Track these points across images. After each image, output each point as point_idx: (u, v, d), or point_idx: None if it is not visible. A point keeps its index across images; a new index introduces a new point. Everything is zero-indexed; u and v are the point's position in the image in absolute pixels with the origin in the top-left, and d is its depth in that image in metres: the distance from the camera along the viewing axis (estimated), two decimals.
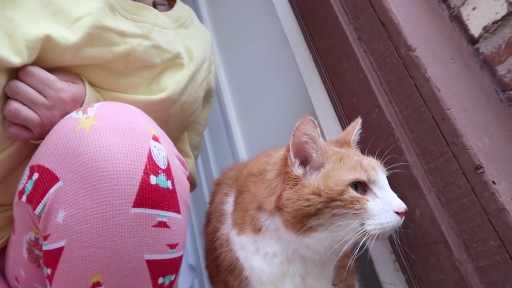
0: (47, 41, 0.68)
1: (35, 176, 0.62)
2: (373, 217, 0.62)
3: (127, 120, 0.62)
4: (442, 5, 0.78)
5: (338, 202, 0.62)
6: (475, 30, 0.72)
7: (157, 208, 0.61)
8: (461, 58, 0.73)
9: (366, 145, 0.78)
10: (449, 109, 0.65)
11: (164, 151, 0.64)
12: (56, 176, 0.59)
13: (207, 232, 0.82)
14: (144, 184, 0.59)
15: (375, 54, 0.78)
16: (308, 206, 0.63)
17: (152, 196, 0.60)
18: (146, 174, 0.60)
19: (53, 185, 0.59)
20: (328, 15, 0.88)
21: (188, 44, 0.94)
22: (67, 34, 0.70)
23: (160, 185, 0.61)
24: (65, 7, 0.72)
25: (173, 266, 0.66)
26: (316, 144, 0.66)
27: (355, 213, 0.62)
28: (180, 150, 1.03)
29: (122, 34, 0.77)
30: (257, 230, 0.70)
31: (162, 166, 0.62)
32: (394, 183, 0.72)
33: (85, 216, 0.57)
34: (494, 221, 0.59)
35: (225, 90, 1.63)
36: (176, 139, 0.99)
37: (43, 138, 0.66)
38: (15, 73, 0.68)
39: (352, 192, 0.62)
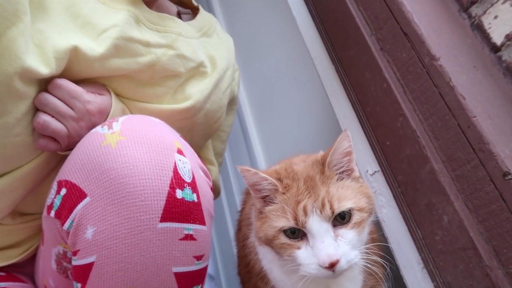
0: (75, 52, 0.69)
1: (63, 191, 0.63)
2: (302, 265, 0.62)
3: (152, 135, 0.64)
4: (463, 14, 0.79)
5: (274, 245, 0.64)
6: (497, 38, 0.73)
7: (183, 222, 0.62)
8: (484, 66, 0.74)
9: (391, 154, 0.79)
10: (474, 117, 0.66)
11: (189, 164, 0.65)
12: (84, 192, 0.61)
13: (238, 239, 0.83)
14: (171, 199, 0.60)
15: (398, 63, 0.79)
16: (260, 237, 0.66)
17: (178, 210, 0.61)
18: (172, 188, 0.61)
19: (81, 201, 0.61)
20: (350, 26, 0.89)
21: (211, 53, 0.95)
22: (94, 45, 0.72)
23: (186, 199, 0.62)
24: (92, 19, 0.74)
25: (199, 276, 0.67)
26: (261, 185, 0.67)
27: (288, 259, 0.63)
28: (204, 157, 1.04)
29: (147, 44, 0.79)
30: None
31: (188, 179, 0.64)
32: (421, 191, 0.73)
33: (114, 232, 0.59)
34: None
35: (243, 100, 1.64)
36: (200, 147, 1.01)
37: (70, 149, 0.68)
38: (44, 84, 0.70)
39: (282, 239, 0.63)
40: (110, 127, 0.64)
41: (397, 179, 0.78)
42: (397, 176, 0.78)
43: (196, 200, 0.64)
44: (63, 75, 0.71)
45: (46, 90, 0.70)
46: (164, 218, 0.60)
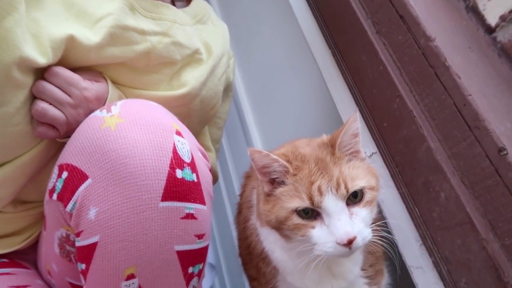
0: (71, 42, 0.70)
1: (65, 174, 0.64)
2: (317, 244, 0.62)
3: (151, 117, 0.65)
4: None
5: (286, 226, 0.64)
6: (492, 19, 0.74)
7: (184, 201, 0.63)
8: (479, 47, 0.75)
9: (389, 135, 0.80)
10: (470, 95, 0.67)
11: (187, 145, 0.66)
12: (85, 174, 0.62)
13: (239, 222, 0.84)
14: (171, 178, 0.62)
15: (394, 46, 0.80)
16: (269, 221, 0.66)
17: (179, 190, 0.63)
18: (172, 168, 0.62)
19: (83, 183, 0.62)
20: (346, 11, 0.90)
21: (206, 40, 0.96)
22: (90, 35, 0.73)
23: (186, 179, 0.64)
24: (87, 8, 0.74)
25: (201, 255, 0.69)
26: (271, 168, 0.67)
27: (301, 239, 0.63)
28: (201, 144, 1.05)
29: (143, 32, 0.80)
30: None
31: (187, 159, 0.65)
32: (418, 170, 0.74)
33: (117, 212, 0.60)
34: None
35: (240, 87, 1.64)
36: (197, 134, 1.01)
37: (68, 136, 0.69)
38: (41, 73, 0.71)
39: (295, 220, 0.63)
40: (109, 110, 0.65)
41: (394, 160, 0.79)
42: (395, 156, 0.79)
43: (196, 180, 0.65)
44: (59, 63, 0.72)
45: (43, 78, 0.71)
46: (165, 197, 0.61)
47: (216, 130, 1.13)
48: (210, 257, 1.70)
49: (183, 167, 0.64)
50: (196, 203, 0.65)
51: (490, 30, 0.74)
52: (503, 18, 0.72)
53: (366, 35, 0.85)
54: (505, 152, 0.62)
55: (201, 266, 0.70)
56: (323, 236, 0.62)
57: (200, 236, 0.67)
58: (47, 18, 0.70)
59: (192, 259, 0.67)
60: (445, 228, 0.70)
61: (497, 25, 0.73)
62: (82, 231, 0.62)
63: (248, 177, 0.88)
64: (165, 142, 0.63)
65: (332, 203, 0.63)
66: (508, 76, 0.71)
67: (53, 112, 0.71)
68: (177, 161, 0.63)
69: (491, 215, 0.64)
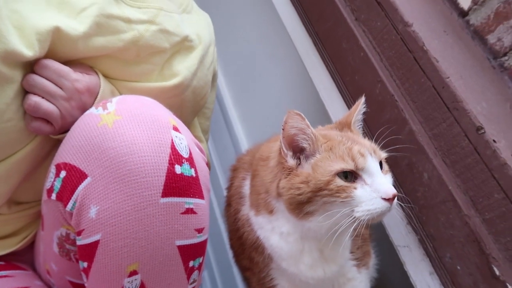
0: (57, 33, 0.69)
1: (63, 174, 0.64)
2: (360, 204, 0.63)
3: (147, 113, 0.64)
4: None
5: (326, 192, 0.64)
6: (464, 3, 0.77)
7: (184, 196, 0.63)
8: (453, 30, 0.78)
9: (372, 119, 0.82)
10: (448, 78, 0.70)
11: (185, 140, 0.67)
12: (84, 173, 0.61)
13: (229, 214, 0.85)
14: (170, 174, 0.62)
15: (374, 32, 0.82)
16: (299, 194, 0.66)
17: (178, 185, 0.63)
18: (171, 164, 0.62)
19: (82, 182, 0.61)
20: None
21: (194, 29, 0.96)
22: (75, 25, 0.71)
23: (185, 174, 0.64)
24: None
25: (201, 249, 0.69)
26: (306, 134, 0.68)
27: (343, 201, 0.64)
28: (193, 135, 1.06)
29: (128, 21, 0.78)
30: (270, 211, 0.73)
31: (185, 155, 0.65)
32: (402, 152, 0.77)
33: (118, 209, 0.60)
34: (497, 176, 0.64)
35: (220, 80, 1.62)
36: (188, 124, 1.01)
37: (63, 133, 0.69)
38: (29, 67, 0.69)
39: (339, 182, 0.64)
40: (104, 107, 0.65)
41: (378, 143, 0.82)
42: (378, 140, 0.82)
43: (194, 175, 0.66)
44: (47, 57, 0.71)
45: (33, 72, 0.70)
46: (165, 194, 0.61)
47: (204, 121, 1.13)
48: None
49: (182, 162, 0.64)
50: (195, 197, 0.66)
51: (463, 13, 0.77)
52: (475, 2, 0.75)
53: (345, 22, 0.87)
54: (482, 131, 0.65)
55: (201, 259, 0.71)
56: (366, 194, 0.64)
57: (200, 230, 0.68)
58: (27, 9, 0.68)
59: (192, 253, 0.68)
60: (429, 206, 0.73)
61: (469, 8, 0.76)
62: (83, 229, 0.62)
63: (235, 169, 0.89)
64: (163, 138, 0.63)
65: (374, 164, 0.66)
66: (482, 58, 0.74)
67: (46, 105, 0.70)
68: (175, 157, 0.63)
69: (472, 192, 0.67)
